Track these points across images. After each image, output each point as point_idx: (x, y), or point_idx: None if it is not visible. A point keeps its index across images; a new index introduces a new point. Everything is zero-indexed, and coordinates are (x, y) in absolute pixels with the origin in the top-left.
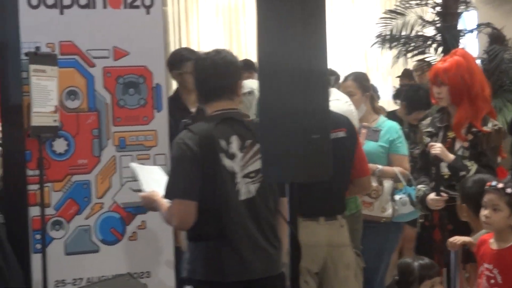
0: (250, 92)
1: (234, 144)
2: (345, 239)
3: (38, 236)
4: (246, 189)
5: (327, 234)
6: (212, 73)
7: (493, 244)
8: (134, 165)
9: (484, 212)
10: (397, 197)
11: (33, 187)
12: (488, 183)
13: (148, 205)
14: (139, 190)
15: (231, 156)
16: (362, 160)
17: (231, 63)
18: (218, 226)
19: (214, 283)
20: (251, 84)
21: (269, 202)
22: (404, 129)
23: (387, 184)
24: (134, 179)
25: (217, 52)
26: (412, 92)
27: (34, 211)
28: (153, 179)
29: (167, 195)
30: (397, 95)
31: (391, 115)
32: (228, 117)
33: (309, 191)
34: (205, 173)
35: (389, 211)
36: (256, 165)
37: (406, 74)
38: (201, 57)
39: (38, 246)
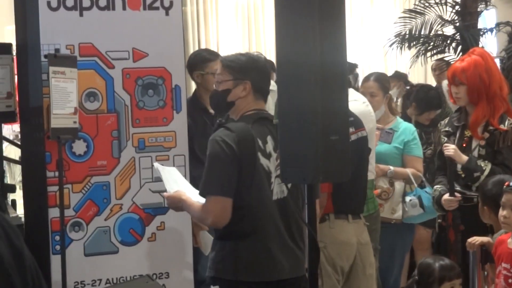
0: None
1: (270, 144)
2: (368, 238)
3: (57, 238)
4: (279, 189)
5: (356, 232)
6: (268, 75)
7: (511, 244)
8: (158, 165)
9: (502, 213)
10: (407, 198)
11: (52, 189)
12: (506, 183)
13: (173, 204)
14: (160, 191)
15: (268, 156)
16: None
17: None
18: (251, 224)
19: (245, 283)
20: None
21: (299, 203)
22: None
23: (399, 185)
24: (154, 180)
25: (258, 54)
26: (422, 93)
27: (54, 213)
28: (173, 180)
29: (204, 192)
30: (407, 96)
31: (403, 116)
32: (263, 117)
33: (338, 189)
34: (242, 171)
35: (399, 213)
36: None
37: (397, 76)
38: (259, 55)
39: (58, 247)
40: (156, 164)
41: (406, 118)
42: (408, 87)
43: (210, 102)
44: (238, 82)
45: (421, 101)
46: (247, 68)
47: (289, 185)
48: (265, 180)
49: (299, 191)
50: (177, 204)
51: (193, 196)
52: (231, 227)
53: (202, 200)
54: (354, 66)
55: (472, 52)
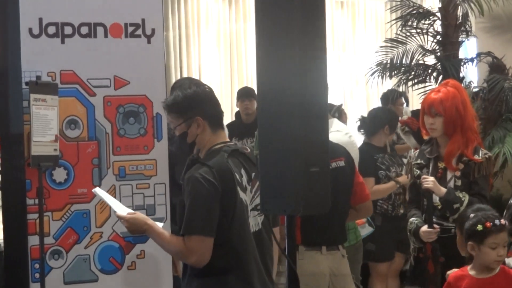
0: None
1: (244, 176)
2: (347, 269)
3: (37, 265)
4: (255, 221)
5: (330, 263)
6: (216, 101)
7: (477, 275)
8: (97, 190)
9: (500, 252)
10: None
11: (32, 216)
12: (488, 224)
13: (135, 226)
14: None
15: (244, 189)
16: (362, 186)
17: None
18: (234, 260)
19: None
20: None
21: (271, 234)
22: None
23: None
24: (135, 208)
25: (200, 83)
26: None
27: (33, 240)
28: (114, 201)
29: (186, 230)
30: None
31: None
32: (234, 150)
33: (311, 220)
34: (223, 207)
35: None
36: None
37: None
38: (197, 87)
39: (37, 275)
40: (94, 190)
41: None
42: None
43: (173, 148)
44: (190, 122)
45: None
46: (190, 104)
47: (262, 217)
48: (245, 214)
49: (270, 223)
50: (141, 227)
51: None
52: (212, 264)
53: (165, 227)
54: (339, 107)
55: (446, 84)
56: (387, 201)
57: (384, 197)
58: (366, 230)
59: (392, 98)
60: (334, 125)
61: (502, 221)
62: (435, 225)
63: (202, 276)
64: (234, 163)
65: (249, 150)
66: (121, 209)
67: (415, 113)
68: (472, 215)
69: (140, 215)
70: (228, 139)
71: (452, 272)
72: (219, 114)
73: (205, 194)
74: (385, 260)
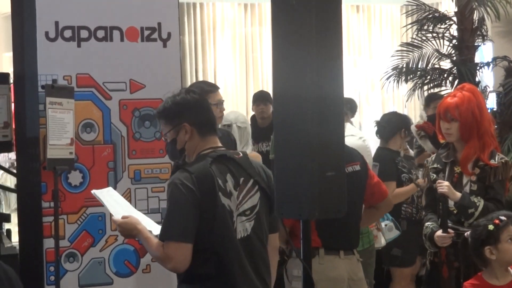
0: (229, 125)
1: (230, 182)
2: (362, 274)
3: (52, 268)
4: (242, 227)
5: (348, 268)
6: (207, 106)
7: (496, 281)
8: (95, 191)
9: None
10: (382, 224)
11: (48, 219)
12: (497, 221)
13: (126, 231)
14: (156, 222)
15: (228, 195)
16: (379, 184)
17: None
18: (216, 266)
19: None
20: (231, 116)
21: (263, 239)
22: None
23: None
24: (150, 211)
25: (190, 90)
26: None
27: (49, 243)
28: (115, 201)
29: (164, 237)
30: None
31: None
32: (221, 155)
33: (329, 224)
34: (203, 213)
35: (382, 240)
36: (250, 202)
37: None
38: (186, 94)
39: (52, 278)
40: (93, 192)
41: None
42: None
43: (168, 156)
44: (178, 128)
45: None
46: (178, 111)
47: (252, 223)
48: (228, 220)
49: (263, 228)
50: (131, 232)
51: (144, 221)
52: (196, 270)
53: (154, 227)
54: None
55: (462, 88)
56: (411, 205)
57: (408, 201)
58: (393, 233)
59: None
60: (348, 129)
61: (502, 217)
62: (449, 230)
63: (187, 282)
64: (219, 169)
65: (241, 155)
66: (118, 212)
67: (431, 117)
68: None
69: (133, 219)
70: (219, 144)
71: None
72: (209, 120)
73: (183, 200)
74: (410, 265)
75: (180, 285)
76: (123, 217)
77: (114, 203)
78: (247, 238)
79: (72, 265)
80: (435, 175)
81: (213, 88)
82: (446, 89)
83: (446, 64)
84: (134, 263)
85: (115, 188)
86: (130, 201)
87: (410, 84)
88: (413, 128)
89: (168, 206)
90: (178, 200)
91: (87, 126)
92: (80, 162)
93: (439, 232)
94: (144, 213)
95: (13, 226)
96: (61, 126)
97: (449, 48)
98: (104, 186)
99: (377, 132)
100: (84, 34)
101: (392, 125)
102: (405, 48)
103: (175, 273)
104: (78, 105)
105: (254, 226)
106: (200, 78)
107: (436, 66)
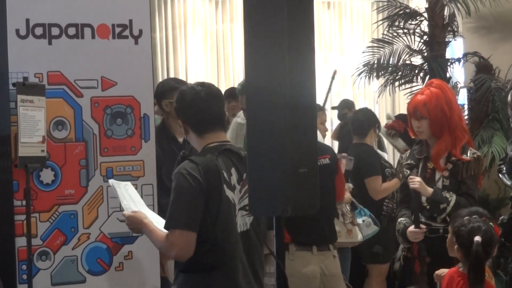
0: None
1: (234, 176)
2: (338, 270)
3: (24, 267)
4: (243, 221)
5: (321, 263)
6: (209, 104)
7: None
8: (113, 182)
9: None
10: (359, 220)
11: (20, 217)
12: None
13: (133, 225)
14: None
15: (232, 188)
16: (342, 185)
17: (219, 94)
18: (217, 258)
19: None
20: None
21: (260, 235)
22: None
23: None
24: (122, 209)
25: (203, 84)
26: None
27: (21, 242)
28: (129, 196)
29: (169, 225)
30: None
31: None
32: (227, 149)
33: (300, 220)
34: (208, 204)
35: (360, 235)
36: None
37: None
38: (191, 89)
39: (25, 276)
40: (111, 181)
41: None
42: None
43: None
44: (180, 121)
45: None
46: (178, 107)
47: (252, 218)
48: (231, 213)
49: (261, 224)
50: (137, 225)
51: (153, 218)
52: (196, 260)
53: (162, 224)
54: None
55: (430, 85)
56: (391, 200)
57: (388, 196)
58: (371, 229)
59: None
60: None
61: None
62: (421, 225)
63: (187, 271)
64: (225, 162)
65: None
66: (129, 206)
67: (399, 117)
68: (466, 218)
69: (140, 213)
70: (226, 138)
71: (440, 272)
72: (206, 119)
73: (189, 189)
74: (389, 261)
75: (178, 274)
76: (133, 211)
77: (128, 197)
78: (246, 232)
79: (44, 263)
80: (408, 171)
81: (181, 85)
82: (417, 85)
83: (417, 60)
84: (107, 261)
85: (87, 185)
86: (102, 199)
87: (381, 80)
88: (383, 129)
89: (173, 195)
90: (184, 189)
91: (58, 124)
92: (52, 160)
93: (411, 228)
94: (116, 211)
95: None
96: (32, 124)
97: (420, 44)
98: (76, 184)
99: (353, 128)
100: (55, 31)
101: (368, 121)
102: (376, 44)
103: (178, 261)
104: (50, 102)
105: (252, 222)
106: (172, 75)
107: (407, 62)
